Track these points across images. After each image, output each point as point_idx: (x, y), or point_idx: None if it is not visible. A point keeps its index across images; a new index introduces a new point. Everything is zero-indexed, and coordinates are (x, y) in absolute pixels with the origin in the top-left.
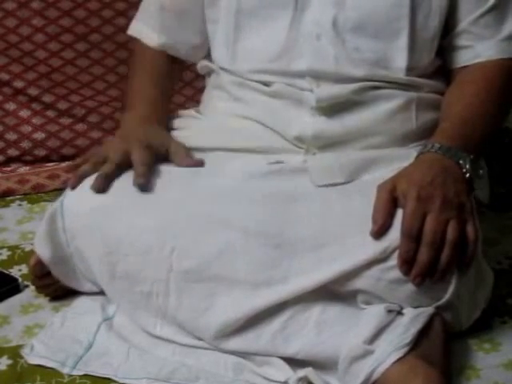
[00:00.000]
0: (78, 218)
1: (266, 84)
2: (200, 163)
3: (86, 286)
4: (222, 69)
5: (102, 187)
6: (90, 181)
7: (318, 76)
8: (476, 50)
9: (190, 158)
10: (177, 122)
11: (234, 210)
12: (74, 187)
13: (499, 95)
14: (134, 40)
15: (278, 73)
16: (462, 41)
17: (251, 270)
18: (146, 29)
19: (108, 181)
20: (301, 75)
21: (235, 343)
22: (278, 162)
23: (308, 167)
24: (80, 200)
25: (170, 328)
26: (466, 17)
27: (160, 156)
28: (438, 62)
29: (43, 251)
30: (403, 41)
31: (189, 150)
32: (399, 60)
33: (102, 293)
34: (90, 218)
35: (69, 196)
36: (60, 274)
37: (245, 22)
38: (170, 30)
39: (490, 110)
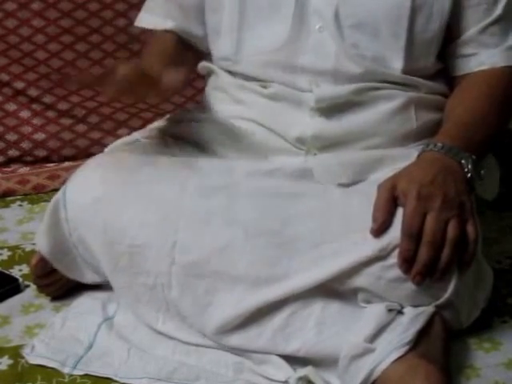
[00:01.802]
0: (81, 209)
1: (265, 85)
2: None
3: (89, 277)
4: (223, 59)
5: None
6: (92, 171)
7: (319, 73)
8: (480, 57)
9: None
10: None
11: (235, 206)
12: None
13: (502, 100)
14: (135, 40)
15: (281, 66)
16: (466, 49)
17: (252, 267)
18: (153, 17)
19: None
20: (302, 71)
21: (236, 340)
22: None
23: (311, 167)
24: (82, 191)
25: (172, 323)
26: (472, 26)
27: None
28: (438, 66)
29: (44, 243)
30: (401, 42)
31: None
32: (396, 61)
33: (102, 290)
34: (93, 210)
35: (71, 187)
36: (61, 265)
37: (249, 10)
38: (176, 18)
39: (492, 113)
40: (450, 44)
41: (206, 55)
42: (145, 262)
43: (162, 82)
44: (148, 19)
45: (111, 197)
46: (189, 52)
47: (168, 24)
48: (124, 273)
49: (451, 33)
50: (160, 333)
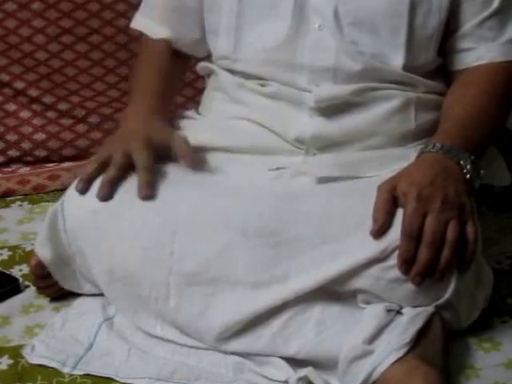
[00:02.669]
0: (79, 221)
1: (264, 84)
2: (201, 163)
3: (86, 288)
4: (222, 58)
5: (107, 194)
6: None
7: (319, 71)
8: (478, 52)
9: (192, 157)
10: (176, 123)
11: (233, 210)
12: (83, 191)
13: (500, 97)
14: (135, 40)
15: (281, 64)
16: (464, 43)
17: (251, 270)
18: (149, 22)
19: (112, 186)
20: (302, 69)
21: (236, 345)
22: (278, 168)
23: (310, 168)
24: (80, 202)
25: (171, 328)
26: (470, 20)
27: (162, 152)
28: (439, 62)
29: (44, 252)
30: (401, 39)
31: (191, 146)
32: (396, 57)
33: (101, 294)
34: (90, 221)
35: (69, 198)
36: (60, 275)
37: (248, 9)
38: (172, 23)
39: (490, 112)
40: (448, 39)
41: (199, 59)
42: (141, 273)
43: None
44: (144, 23)
45: (108, 209)
46: (180, 59)
47: (163, 32)
48: (120, 284)
49: (449, 27)
50: (159, 338)
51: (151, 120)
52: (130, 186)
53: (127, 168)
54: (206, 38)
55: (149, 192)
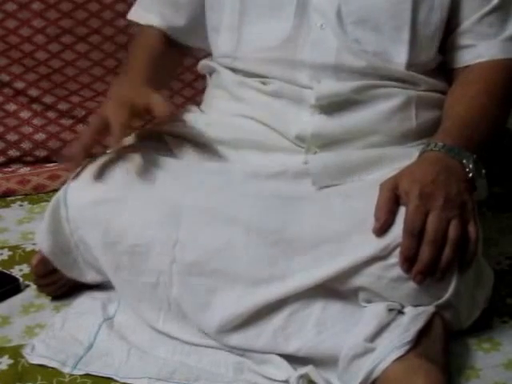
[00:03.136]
0: (82, 210)
1: (265, 82)
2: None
3: (89, 276)
4: (224, 56)
5: (74, 154)
6: (92, 173)
7: (320, 68)
8: (478, 49)
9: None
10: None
11: (236, 206)
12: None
13: (501, 96)
14: (133, 40)
15: (282, 62)
16: (464, 40)
17: (252, 267)
18: (140, 10)
19: (84, 149)
20: (303, 66)
21: (237, 339)
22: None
23: (309, 169)
24: (83, 192)
25: (173, 323)
26: (470, 16)
27: (138, 110)
28: (439, 59)
29: (45, 241)
30: (404, 36)
31: (169, 106)
32: (399, 55)
33: (102, 290)
34: (94, 210)
35: (72, 187)
36: (62, 264)
37: (250, 7)
38: (161, 10)
39: (491, 110)
40: (449, 36)
41: (194, 51)
42: (146, 261)
43: (155, 112)
44: (136, 12)
45: (112, 197)
46: (174, 48)
47: (153, 19)
48: (125, 272)
49: (450, 24)
50: (160, 332)
51: (129, 83)
52: (133, 178)
53: (103, 130)
54: (197, 27)
55: (117, 144)
